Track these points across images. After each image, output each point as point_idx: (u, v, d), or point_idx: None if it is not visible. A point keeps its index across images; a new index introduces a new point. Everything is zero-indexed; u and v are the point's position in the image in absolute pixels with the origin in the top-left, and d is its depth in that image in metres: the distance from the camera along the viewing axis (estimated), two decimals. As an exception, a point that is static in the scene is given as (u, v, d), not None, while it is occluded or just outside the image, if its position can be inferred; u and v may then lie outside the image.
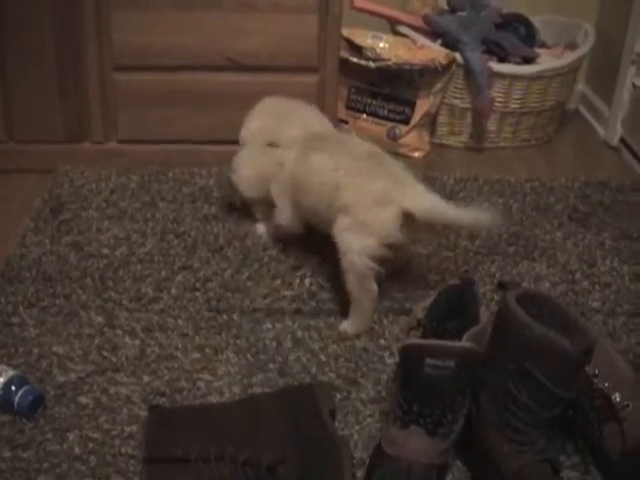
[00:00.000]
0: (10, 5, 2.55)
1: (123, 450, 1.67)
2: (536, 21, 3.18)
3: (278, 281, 2.17)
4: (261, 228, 2.36)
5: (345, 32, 2.83)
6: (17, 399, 1.74)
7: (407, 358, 1.60)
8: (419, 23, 3.04)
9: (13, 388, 1.75)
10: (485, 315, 1.66)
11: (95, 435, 1.71)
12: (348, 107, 2.98)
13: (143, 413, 1.74)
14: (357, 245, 1.95)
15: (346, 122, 2.96)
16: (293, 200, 2.16)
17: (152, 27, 2.58)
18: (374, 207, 1.94)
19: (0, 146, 2.74)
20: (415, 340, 1.65)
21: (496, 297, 2.10)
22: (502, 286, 2.14)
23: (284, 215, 2.21)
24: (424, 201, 1.95)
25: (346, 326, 2.01)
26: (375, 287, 2.00)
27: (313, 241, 2.27)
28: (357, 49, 2.90)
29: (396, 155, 2.85)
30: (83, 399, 1.80)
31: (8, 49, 2.61)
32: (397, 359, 1.76)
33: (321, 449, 1.60)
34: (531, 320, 1.52)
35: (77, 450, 1.68)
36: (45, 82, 2.65)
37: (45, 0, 2.54)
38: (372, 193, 1.95)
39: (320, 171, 2.05)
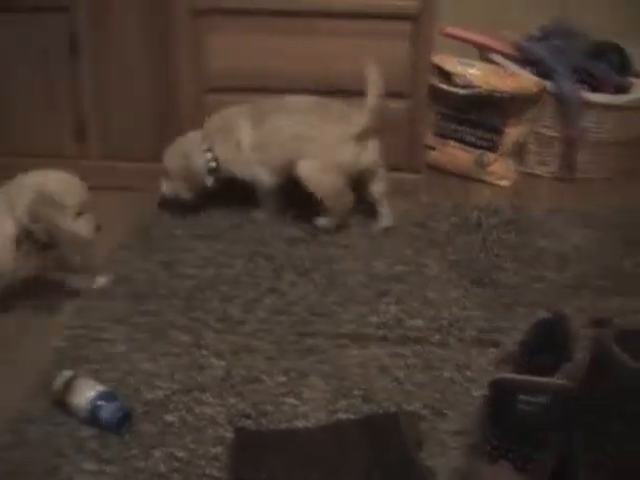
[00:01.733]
0: (106, 28, 2.63)
1: (208, 471, 1.67)
2: (631, 50, 3.13)
3: (364, 307, 2.15)
4: None
5: (434, 58, 2.82)
6: (105, 414, 1.77)
7: (498, 393, 1.58)
8: (510, 50, 3.02)
9: (102, 403, 1.78)
10: (579, 351, 1.63)
11: (180, 454, 1.71)
12: (435, 133, 2.97)
13: (228, 435, 1.74)
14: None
15: (433, 148, 2.94)
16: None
17: (246, 50, 2.62)
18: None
19: (95, 163, 2.81)
20: (507, 375, 1.62)
21: (589, 332, 2.05)
22: (597, 322, 2.09)
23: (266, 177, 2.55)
24: None
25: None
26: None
27: (399, 269, 2.27)
28: (446, 75, 2.89)
29: (482, 182, 2.85)
30: (169, 417, 1.80)
31: (105, 71, 2.69)
32: (485, 392, 1.74)
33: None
34: (629, 359, 1.48)
35: (162, 468, 1.68)
36: (140, 103, 2.72)
37: (141, 25, 2.62)
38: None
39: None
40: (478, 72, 2.87)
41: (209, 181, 2.59)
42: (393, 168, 2.70)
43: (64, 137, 2.81)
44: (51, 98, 2.76)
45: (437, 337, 2.06)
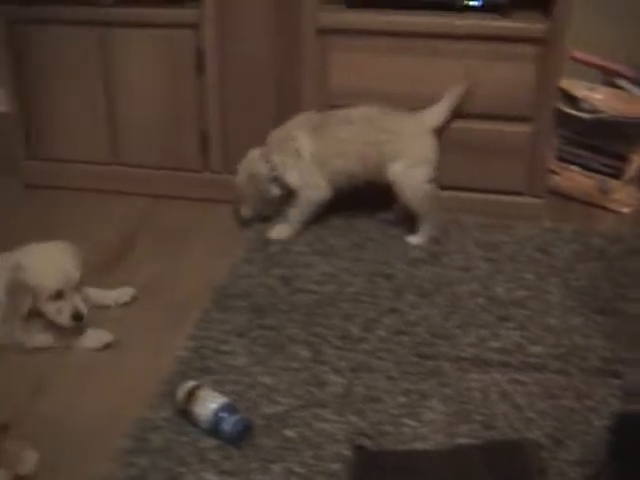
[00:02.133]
0: (232, 45, 2.70)
1: (327, 488, 1.70)
2: None
3: (485, 331, 2.14)
4: None
5: (560, 82, 2.79)
6: (227, 426, 1.80)
7: (624, 425, 1.55)
8: (635, 75, 2.96)
9: (224, 415, 1.81)
10: None
11: (299, 470, 1.73)
12: (558, 158, 2.93)
13: (347, 452, 1.76)
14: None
15: (555, 173, 2.90)
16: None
17: (367, 70, 2.64)
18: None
19: (216, 177, 2.89)
20: (635, 407, 1.59)
21: None
22: None
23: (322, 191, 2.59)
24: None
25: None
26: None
27: (520, 294, 2.26)
28: (571, 99, 2.85)
29: (604, 209, 2.80)
30: (288, 432, 1.83)
31: (229, 86, 2.76)
32: (608, 423, 1.70)
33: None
34: None
35: (282, 483, 1.71)
36: (262, 119, 2.76)
37: (266, 42, 2.68)
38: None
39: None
40: (603, 97, 2.83)
41: (274, 190, 2.64)
42: (513, 192, 2.68)
43: (188, 150, 2.88)
44: (176, 111, 2.84)
45: (558, 365, 2.03)
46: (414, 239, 2.55)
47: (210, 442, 1.81)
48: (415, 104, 2.58)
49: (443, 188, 2.65)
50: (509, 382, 1.96)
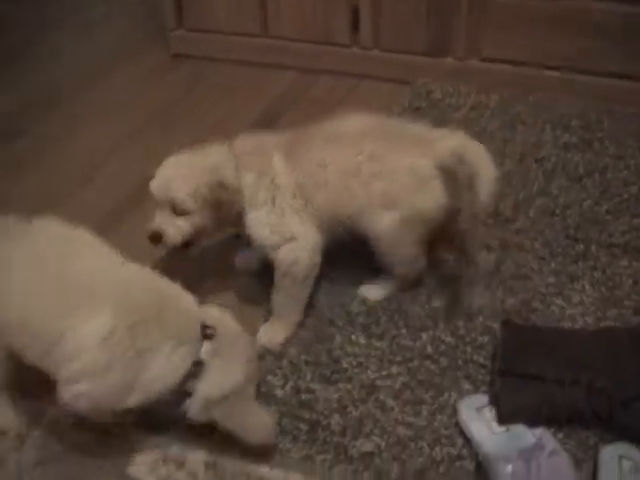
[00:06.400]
0: None
1: (474, 358, 1.74)
2: None
3: (638, 220, 2.10)
4: None
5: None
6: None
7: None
8: None
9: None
10: None
11: (448, 339, 1.78)
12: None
13: (496, 326, 1.79)
14: None
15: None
16: None
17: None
18: None
19: (366, 53, 2.86)
20: None
21: None
22: None
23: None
24: None
25: None
26: None
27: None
28: None
29: None
30: (437, 303, 1.88)
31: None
32: None
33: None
34: None
35: (429, 349, 1.76)
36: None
37: None
38: None
39: None
40: None
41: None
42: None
43: (338, 25, 2.85)
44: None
45: None
46: (372, 290, 1.93)
47: (358, 308, 1.87)
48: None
49: (595, 74, 2.59)
50: (661, 267, 1.96)
